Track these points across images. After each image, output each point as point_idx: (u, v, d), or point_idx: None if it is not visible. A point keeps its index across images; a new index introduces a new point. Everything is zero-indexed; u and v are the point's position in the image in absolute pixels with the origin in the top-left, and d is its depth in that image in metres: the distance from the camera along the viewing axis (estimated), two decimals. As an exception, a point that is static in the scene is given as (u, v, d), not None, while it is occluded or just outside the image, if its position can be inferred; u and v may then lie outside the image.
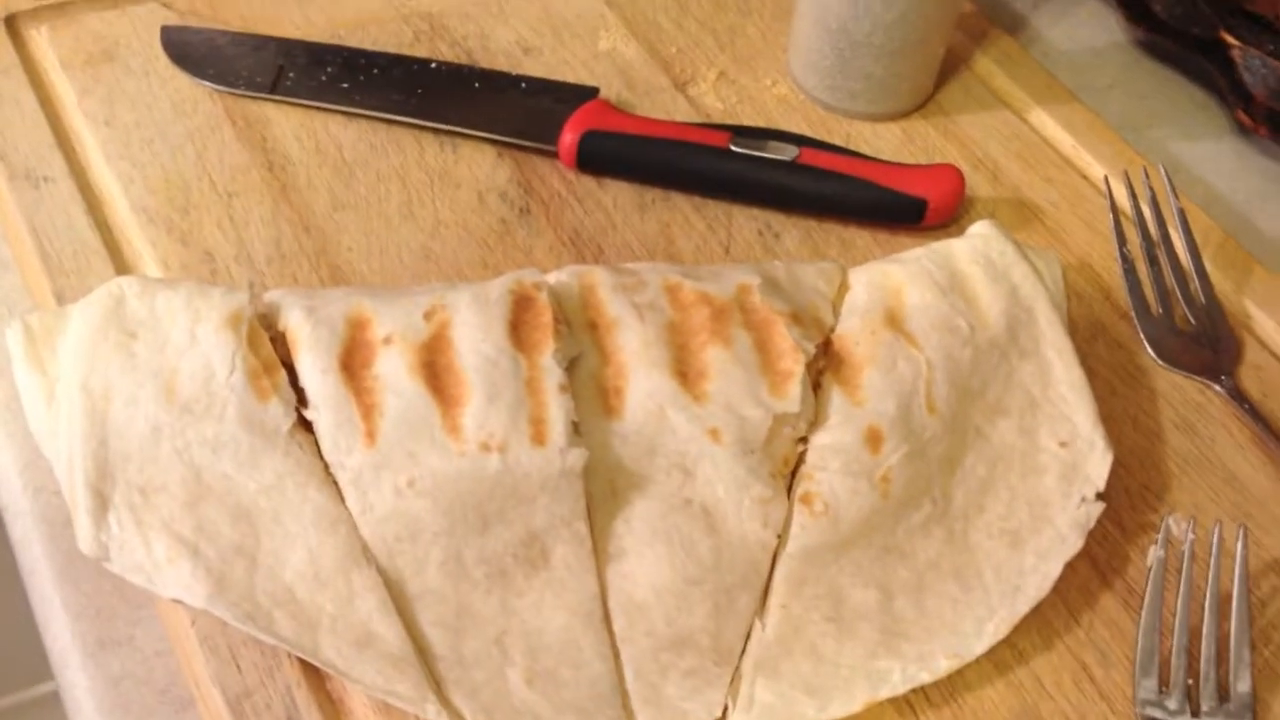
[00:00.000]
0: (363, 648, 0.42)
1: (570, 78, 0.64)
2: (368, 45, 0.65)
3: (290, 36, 0.65)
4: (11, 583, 0.55)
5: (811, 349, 0.48)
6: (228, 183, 0.58)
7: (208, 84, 0.61)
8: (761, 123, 0.64)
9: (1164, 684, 0.44)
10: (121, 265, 0.54)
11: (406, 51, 0.65)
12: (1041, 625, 0.47)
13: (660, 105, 0.64)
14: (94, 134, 0.59)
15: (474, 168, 0.60)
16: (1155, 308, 0.57)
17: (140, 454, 0.45)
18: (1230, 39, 0.68)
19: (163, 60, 0.62)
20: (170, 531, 0.44)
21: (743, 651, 0.44)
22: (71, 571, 0.47)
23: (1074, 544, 0.47)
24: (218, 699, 0.42)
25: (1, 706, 1.38)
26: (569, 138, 0.59)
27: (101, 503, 0.44)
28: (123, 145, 0.59)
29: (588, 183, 0.60)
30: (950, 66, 0.67)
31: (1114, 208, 0.60)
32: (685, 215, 0.59)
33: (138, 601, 0.46)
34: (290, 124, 0.61)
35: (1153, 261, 0.58)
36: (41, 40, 0.63)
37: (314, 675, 0.43)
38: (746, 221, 0.59)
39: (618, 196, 0.59)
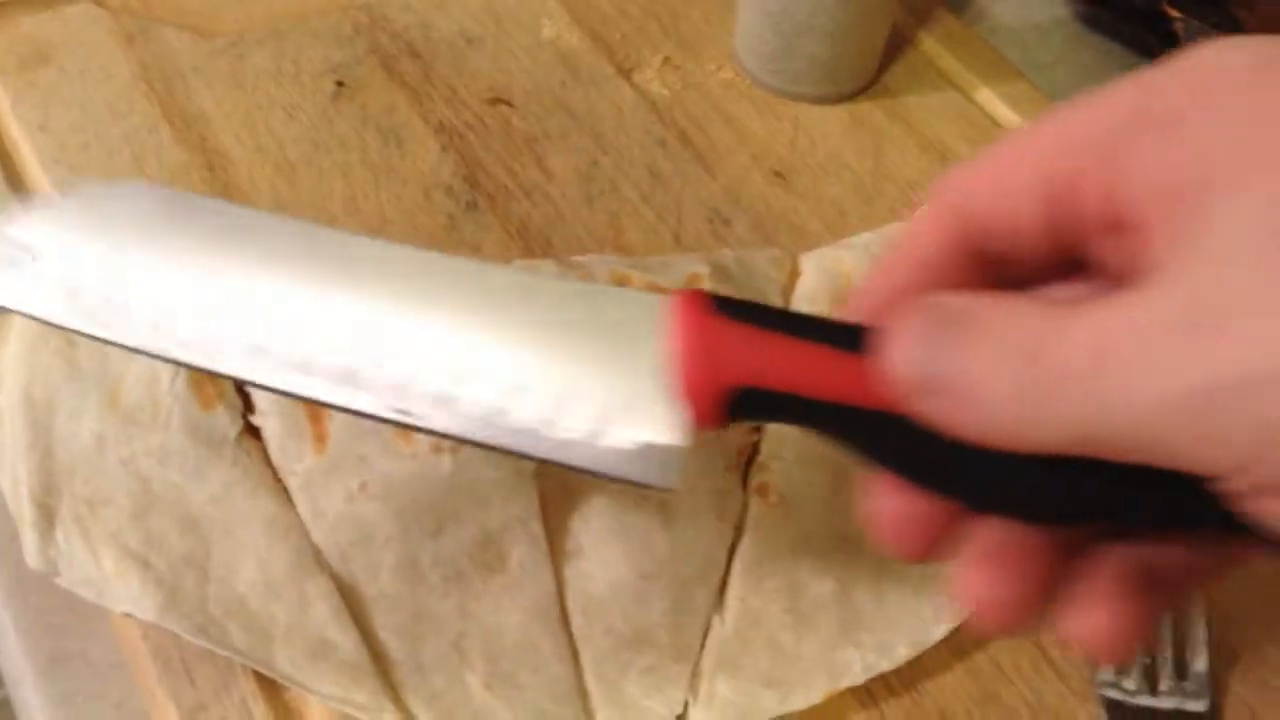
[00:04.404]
0: (318, 657, 0.41)
1: (514, 67, 0.64)
2: (308, 39, 0.64)
3: (228, 34, 0.64)
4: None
5: (763, 338, 0.48)
6: (167, 184, 0.57)
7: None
8: (707, 108, 0.63)
9: (1122, 664, 0.45)
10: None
11: (346, 46, 0.64)
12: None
13: (606, 93, 0.63)
14: (29, 140, 0.58)
15: (419, 163, 0.59)
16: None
17: (86, 466, 0.44)
18: (1172, 11, 0.68)
19: (97, 61, 0.61)
20: (118, 544, 0.43)
21: (702, 647, 0.44)
22: (21, 587, 0.46)
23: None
24: (172, 713, 0.42)
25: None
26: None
27: (48, 517, 0.43)
28: (59, 149, 0.57)
29: (534, 174, 0.59)
30: (895, 47, 0.67)
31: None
32: (634, 205, 0.59)
33: (89, 615, 0.45)
34: (230, 122, 0.60)
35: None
36: (-28, 44, 0.62)
37: (270, 686, 0.43)
38: (696, 209, 0.59)
39: (565, 188, 0.59)
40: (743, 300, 0.30)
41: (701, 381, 0.30)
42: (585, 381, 0.31)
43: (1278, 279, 0.22)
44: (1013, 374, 0.25)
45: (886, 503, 0.30)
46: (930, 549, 0.30)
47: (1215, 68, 0.26)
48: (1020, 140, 0.29)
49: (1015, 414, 0.26)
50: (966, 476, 0.29)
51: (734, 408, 0.30)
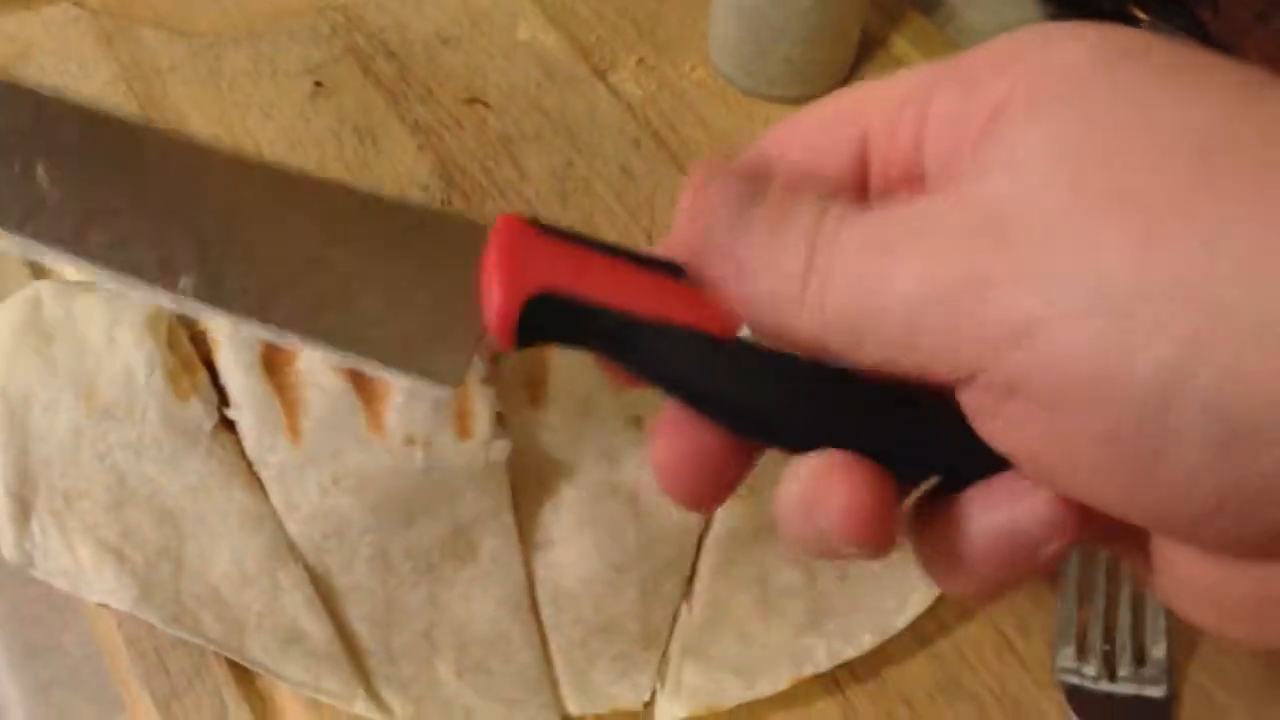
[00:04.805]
0: (290, 645, 0.42)
1: (489, 68, 0.65)
2: (285, 40, 0.64)
3: (206, 34, 0.64)
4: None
5: (732, 333, 0.49)
6: (145, 183, 0.57)
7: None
8: (680, 108, 0.64)
9: (1082, 651, 0.45)
10: (39, 270, 0.54)
11: (323, 46, 0.64)
12: (962, 597, 0.48)
13: (581, 94, 0.64)
14: (7, 137, 0.58)
15: (395, 162, 0.60)
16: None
17: (62, 459, 0.44)
18: (1140, 13, 0.69)
19: (76, 61, 0.62)
20: (94, 536, 0.43)
21: (670, 634, 0.45)
22: (-4, 579, 0.47)
23: (993, 517, 0.48)
24: (147, 701, 0.42)
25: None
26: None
27: (24, 509, 0.44)
28: (37, 147, 0.58)
29: (509, 173, 0.60)
30: (867, 48, 0.68)
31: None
32: (607, 204, 0.59)
33: (65, 606, 0.46)
34: (208, 122, 0.60)
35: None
36: (-49, 43, 0.62)
37: (243, 674, 0.43)
38: (668, 208, 0.60)
39: (539, 187, 0.60)
40: (565, 228, 0.31)
41: (504, 282, 0.30)
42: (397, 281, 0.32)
43: (1058, 191, 0.24)
44: (787, 257, 0.27)
45: (668, 443, 0.30)
46: (710, 493, 0.31)
47: (1015, 41, 0.27)
48: (838, 97, 0.31)
49: (783, 296, 0.27)
50: (749, 395, 0.29)
51: (531, 319, 0.30)
